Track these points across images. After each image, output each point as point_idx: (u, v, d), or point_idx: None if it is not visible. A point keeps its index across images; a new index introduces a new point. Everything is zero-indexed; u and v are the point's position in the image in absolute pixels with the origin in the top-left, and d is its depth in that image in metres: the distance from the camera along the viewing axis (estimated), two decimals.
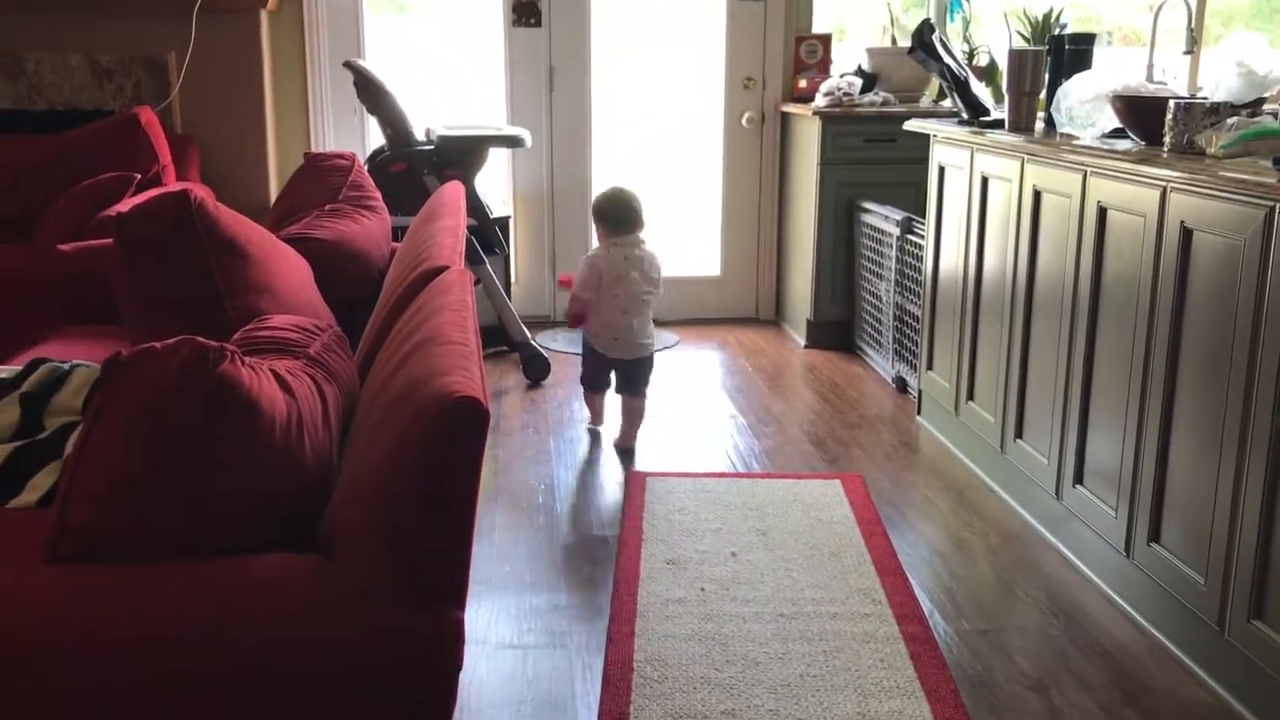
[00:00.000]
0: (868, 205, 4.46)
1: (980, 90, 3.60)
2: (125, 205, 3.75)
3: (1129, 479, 2.56)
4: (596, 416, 3.79)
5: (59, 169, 4.12)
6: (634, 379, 3.62)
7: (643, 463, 3.50)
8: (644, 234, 3.63)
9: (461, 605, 1.31)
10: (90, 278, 3.24)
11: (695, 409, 4.03)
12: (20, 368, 2.26)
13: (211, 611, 1.24)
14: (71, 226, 3.78)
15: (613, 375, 3.67)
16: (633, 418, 3.64)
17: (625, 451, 3.60)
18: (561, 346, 4.74)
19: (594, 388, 3.73)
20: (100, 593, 1.25)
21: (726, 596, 2.61)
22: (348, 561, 1.30)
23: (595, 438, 3.72)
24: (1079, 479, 2.81)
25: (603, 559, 2.84)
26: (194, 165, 4.50)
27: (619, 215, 3.60)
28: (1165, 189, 2.40)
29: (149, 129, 4.24)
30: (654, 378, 3.70)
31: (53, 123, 4.47)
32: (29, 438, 2.08)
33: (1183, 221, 2.35)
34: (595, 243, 3.76)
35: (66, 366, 2.24)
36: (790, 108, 4.92)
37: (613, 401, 3.75)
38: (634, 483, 3.29)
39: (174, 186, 4.14)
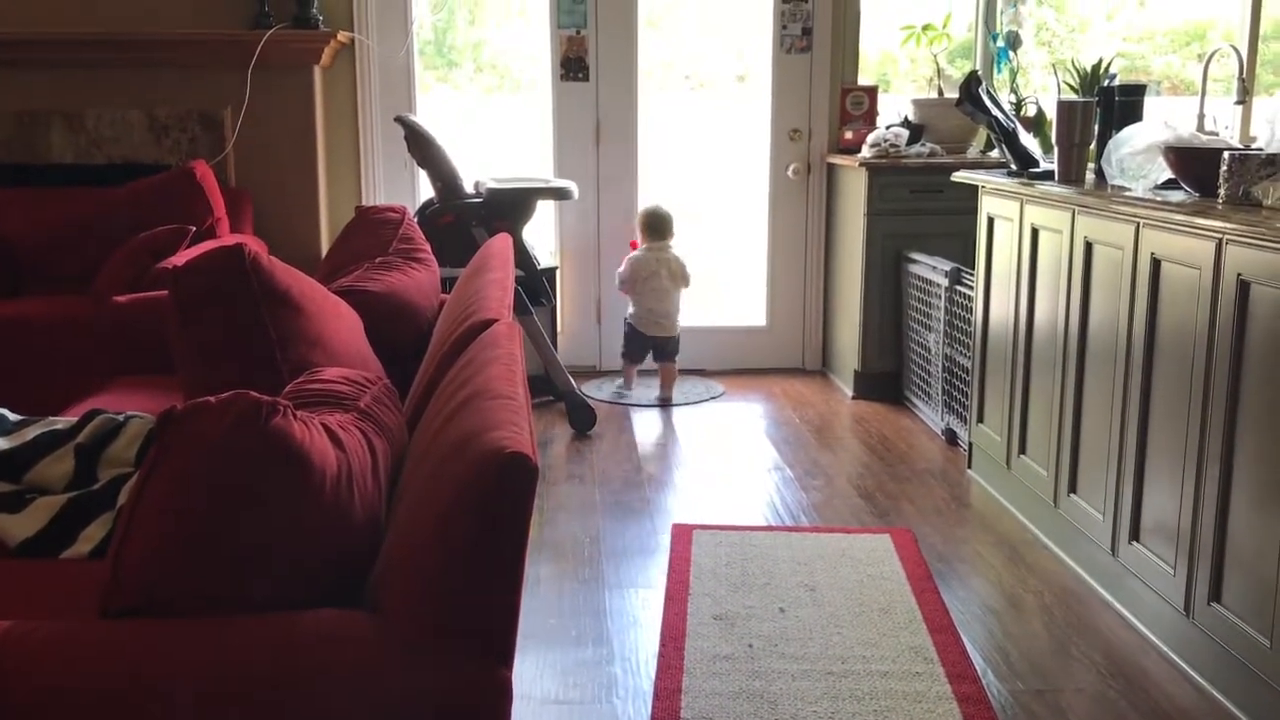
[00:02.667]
0: (915, 256, 4.44)
1: (1029, 141, 3.59)
2: (180, 258, 3.83)
3: (1188, 536, 2.51)
4: (628, 383, 4.83)
5: (116, 222, 4.21)
6: (666, 351, 4.74)
7: (688, 515, 3.48)
8: (673, 243, 4.76)
9: (509, 664, 1.30)
10: (145, 329, 3.29)
11: (742, 461, 4.01)
12: (76, 419, 2.29)
13: (261, 667, 1.24)
14: (128, 278, 3.85)
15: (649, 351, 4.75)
16: (668, 378, 4.76)
17: (665, 401, 4.68)
18: (607, 396, 4.74)
19: (632, 360, 4.79)
20: (152, 648, 1.25)
21: (775, 653, 2.57)
22: (395, 618, 1.29)
23: (621, 398, 4.74)
24: (1135, 535, 2.75)
25: (648, 613, 2.81)
26: (248, 218, 4.58)
27: (653, 225, 4.73)
28: (1221, 241, 2.37)
29: (204, 182, 4.32)
30: (699, 421, 4.38)
31: (111, 176, 4.57)
32: (83, 488, 2.11)
33: (1239, 274, 2.31)
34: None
35: (121, 418, 2.27)
36: (836, 159, 4.93)
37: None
38: (680, 536, 3.26)
39: (228, 239, 4.21)
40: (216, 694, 1.22)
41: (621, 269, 4.75)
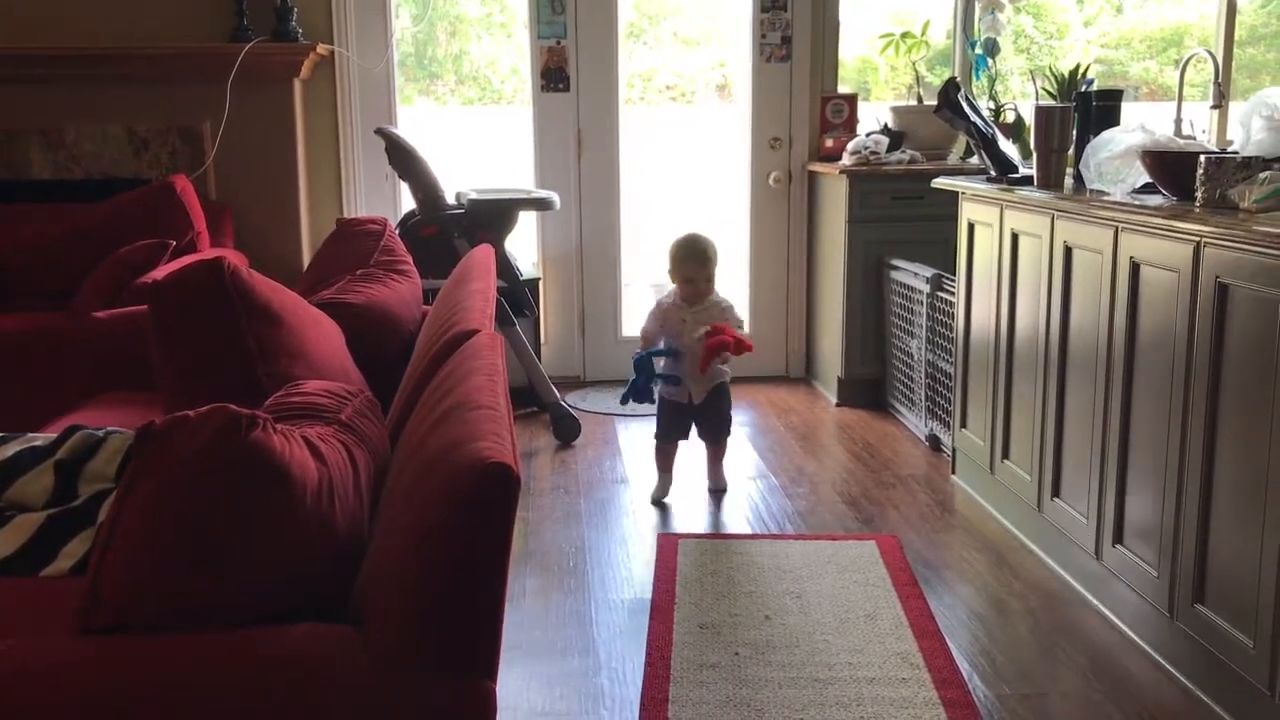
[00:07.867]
0: (897, 263, 4.45)
1: (1008, 147, 3.60)
2: (161, 272, 3.81)
3: (1170, 538, 2.52)
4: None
5: (96, 237, 4.19)
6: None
7: (674, 524, 3.47)
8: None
9: (493, 676, 1.29)
10: (125, 344, 3.28)
11: (726, 469, 4.00)
12: (56, 435, 2.28)
13: (244, 683, 1.23)
14: (108, 293, 3.83)
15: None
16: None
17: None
18: (591, 407, 4.73)
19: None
20: (132, 665, 1.24)
21: (761, 661, 2.57)
22: (378, 631, 1.28)
23: None
24: (1119, 538, 2.76)
25: (635, 623, 2.81)
26: (228, 232, 4.56)
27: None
28: (1199, 244, 2.38)
29: (184, 197, 4.30)
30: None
31: (91, 192, 4.55)
32: (63, 505, 2.09)
33: (1217, 276, 2.32)
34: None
35: (101, 434, 2.26)
36: (817, 167, 4.94)
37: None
38: (665, 545, 3.26)
39: (209, 253, 4.19)
40: (197, 711, 1.21)
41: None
